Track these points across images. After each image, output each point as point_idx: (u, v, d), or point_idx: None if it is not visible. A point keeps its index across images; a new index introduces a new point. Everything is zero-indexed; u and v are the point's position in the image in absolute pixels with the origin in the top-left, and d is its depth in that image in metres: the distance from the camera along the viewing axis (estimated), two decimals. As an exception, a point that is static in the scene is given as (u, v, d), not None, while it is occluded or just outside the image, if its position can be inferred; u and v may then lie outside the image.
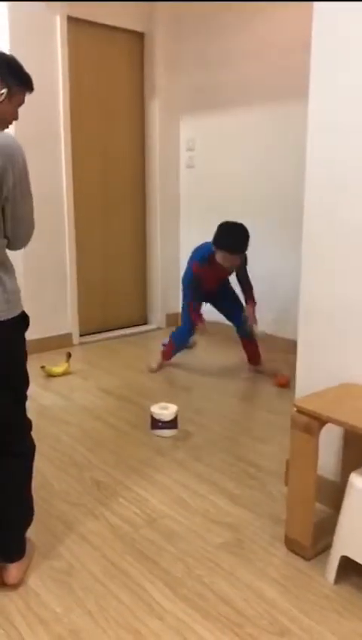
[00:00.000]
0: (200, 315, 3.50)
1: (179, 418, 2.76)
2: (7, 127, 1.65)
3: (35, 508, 1.84)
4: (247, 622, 1.59)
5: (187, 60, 4.39)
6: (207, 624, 1.58)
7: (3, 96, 1.60)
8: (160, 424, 2.72)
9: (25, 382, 1.73)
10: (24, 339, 1.69)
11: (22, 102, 1.68)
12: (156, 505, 2.16)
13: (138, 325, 4.69)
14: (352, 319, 1.98)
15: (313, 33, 1.95)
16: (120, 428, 2.82)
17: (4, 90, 1.59)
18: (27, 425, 1.76)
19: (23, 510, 1.76)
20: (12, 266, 1.64)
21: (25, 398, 1.75)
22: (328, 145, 1.96)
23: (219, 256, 3.25)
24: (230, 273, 3.46)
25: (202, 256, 3.33)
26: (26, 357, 1.71)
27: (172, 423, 2.72)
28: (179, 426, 2.77)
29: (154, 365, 3.62)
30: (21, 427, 1.74)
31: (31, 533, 1.81)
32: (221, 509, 2.13)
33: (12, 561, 1.72)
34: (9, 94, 1.62)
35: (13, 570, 1.71)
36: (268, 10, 3.74)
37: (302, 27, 3.47)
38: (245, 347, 3.63)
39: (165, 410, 2.72)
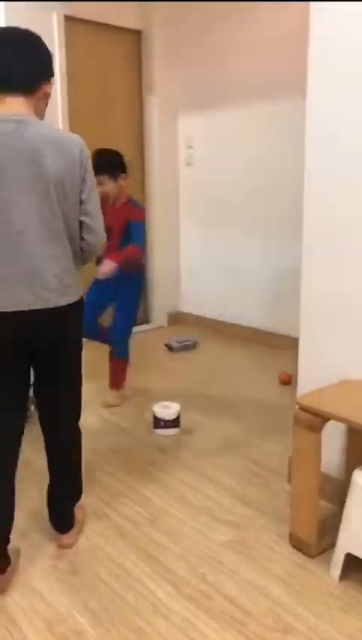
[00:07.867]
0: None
1: (181, 417, 2.76)
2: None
3: (37, 508, 1.84)
4: (252, 620, 1.58)
5: (185, 57, 4.38)
6: (211, 622, 1.58)
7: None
8: (162, 423, 2.71)
9: (80, 367, 1.88)
10: (81, 324, 1.83)
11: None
12: (159, 504, 2.15)
13: (139, 324, 4.68)
14: (354, 316, 1.97)
15: (310, 32, 1.94)
16: (122, 427, 2.82)
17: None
18: (79, 409, 1.94)
19: (74, 486, 1.91)
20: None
21: (80, 384, 1.91)
22: (328, 141, 1.95)
23: None
24: (119, 221, 2.81)
25: None
26: (81, 345, 1.86)
27: (174, 422, 2.72)
28: (182, 424, 2.77)
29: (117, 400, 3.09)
30: (76, 409, 1.92)
31: (41, 526, 1.80)
32: (224, 507, 2.13)
33: (63, 532, 1.90)
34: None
35: (64, 539, 1.90)
36: (266, 7, 3.72)
37: (301, 23, 3.45)
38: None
39: (167, 409, 2.72)
